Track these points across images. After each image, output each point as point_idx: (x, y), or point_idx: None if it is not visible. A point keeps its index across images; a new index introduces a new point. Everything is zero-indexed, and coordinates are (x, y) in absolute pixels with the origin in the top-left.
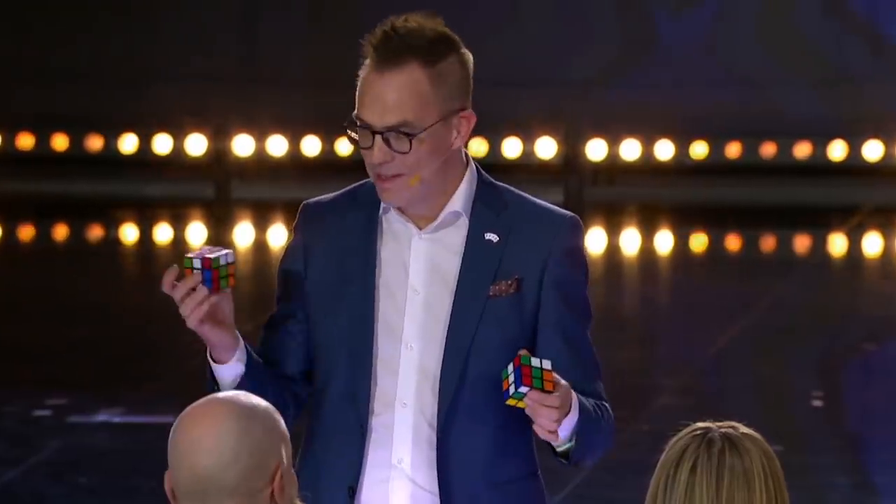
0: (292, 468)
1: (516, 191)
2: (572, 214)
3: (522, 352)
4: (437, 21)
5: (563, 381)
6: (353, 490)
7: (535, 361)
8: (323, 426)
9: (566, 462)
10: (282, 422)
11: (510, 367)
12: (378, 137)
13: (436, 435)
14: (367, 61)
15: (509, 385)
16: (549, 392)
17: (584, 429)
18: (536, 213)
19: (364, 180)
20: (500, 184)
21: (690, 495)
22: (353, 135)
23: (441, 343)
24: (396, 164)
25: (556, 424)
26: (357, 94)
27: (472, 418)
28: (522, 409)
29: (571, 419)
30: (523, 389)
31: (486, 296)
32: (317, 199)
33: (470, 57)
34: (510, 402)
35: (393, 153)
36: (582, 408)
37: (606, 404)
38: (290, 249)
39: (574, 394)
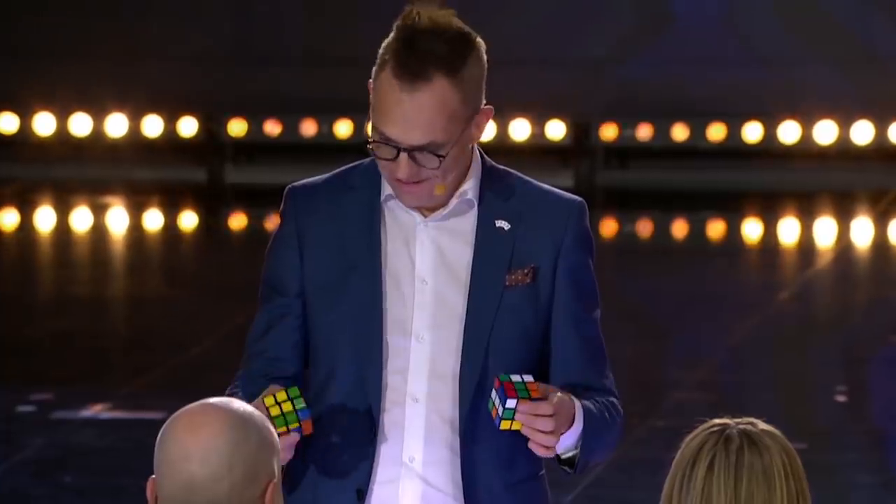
0: (281, 484)
1: (519, 174)
2: (580, 198)
3: (503, 374)
4: (449, 14)
5: (558, 392)
6: (361, 493)
7: (515, 377)
8: (326, 425)
9: (570, 470)
10: (275, 433)
11: (493, 393)
12: (404, 154)
13: (458, 437)
14: (387, 71)
15: (497, 408)
16: (538, 399)
17: (588, 434)
18: (544, 199)
19: (355, 163)
20: (502, 167)
21: (707, 494)
22: (374, 148)
23: (455, 336)
24: (420, 174)
25: (555, 438)
26: (375, 104)
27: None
28: None
29: (576, 429)
30: (511, 403)
31: (503, 286)
32: (304, 182)
33: (483, 46)
34: (504, 425)
35: (419, 167)
36: (586, 413)
37: (614, 399)
38: (280, 237)
39: (577, 403)
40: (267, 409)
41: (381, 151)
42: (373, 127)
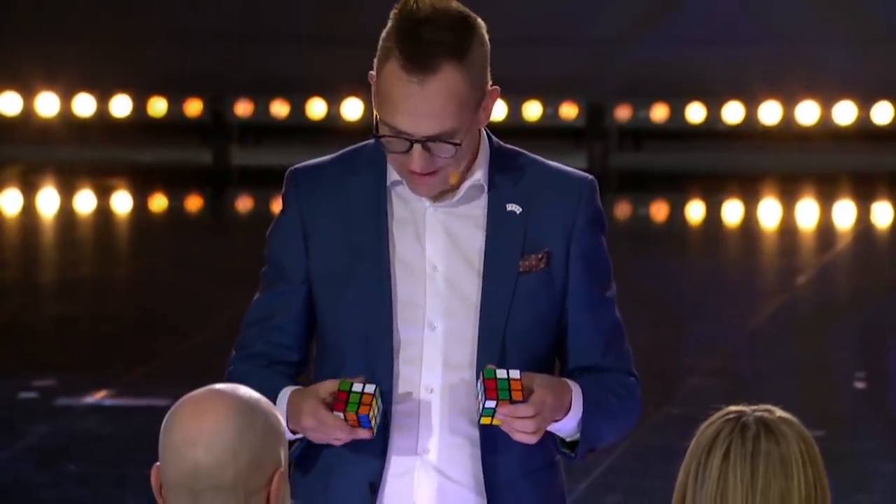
0: (288, 473)
1: (527, 153)
2: (590, 176)
3: (489, 366)
4: None
5: (546, 386)
6: (374, 486)
7: (500, 373)
8: None
9: (572, 454)
10: (282, 422)
11: (478, 384)
12: (417, 145)
13: (477, 428)
14: (392, 63)
15: (479, 402)
16: (520, 401)
17: (590, 419)
18: (555, 179)
19: (359, 144)
20: (509, 146)
21: (723, 484)
22: (385, 143)
23: (470, 325)
24: (434, 164)
25: (536, 437)
26: (383, 97)
27: None
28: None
29: (575, 415)
30: (490, 405)
31: (517, 272)
32: (306, 164)
33: (484, 27)
34: (484, 421)
35: (433, 157)
36: (588, 399)
37: (632, 378)
38: (283, 221)
39: (575, 388)
40: (367, 413)
41: (393, 145)
42: (381, 120)
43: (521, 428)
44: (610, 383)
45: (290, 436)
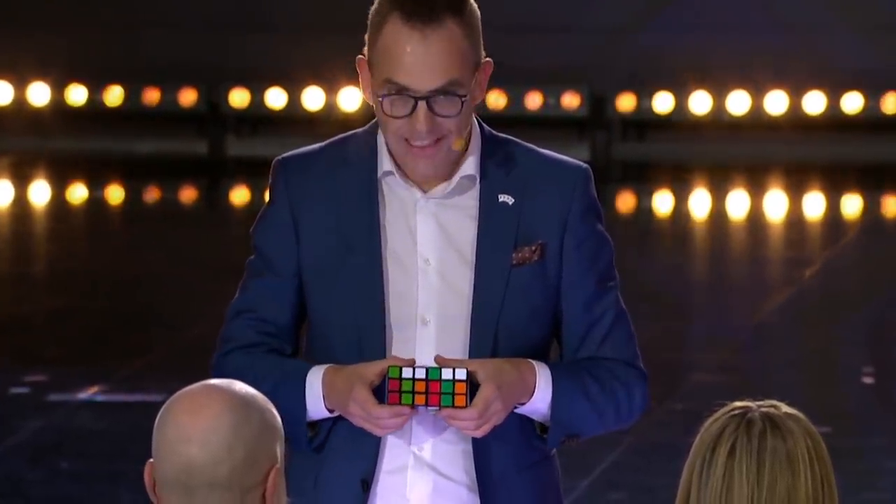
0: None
1: (520, 142)
2: (584, 165)
3: (437, 359)
4: None
5: (491, 379)
6: (366, 484)
7: (445, 374)
8: None
9: (545, 442)
10: (278, 417)
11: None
12: (422, 103)
13: None
14: (391, 24)
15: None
16: (462, 407)
17: (562, 404)
18: (548, 168)
19: (347, 133)
20: (502, 135)
21: (728, 481)
22: (388, 105)
23: (463, 318)
24: (439, 128)
25: (482, 433)
26: (381, 56)
27: None
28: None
29: (543, 398)
30: (431, 410)
31: (510, 265)
32: (295, 153)
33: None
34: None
35: (437, 117)
36: (560, 381)
37: (632, 368)
38: (271, 213)
39: (541, 369)
40: (423, 403)
41: (396, 106)
42: (382, 80)
43: (463, 427)
44: (596, 370)
45: (323, 413)
